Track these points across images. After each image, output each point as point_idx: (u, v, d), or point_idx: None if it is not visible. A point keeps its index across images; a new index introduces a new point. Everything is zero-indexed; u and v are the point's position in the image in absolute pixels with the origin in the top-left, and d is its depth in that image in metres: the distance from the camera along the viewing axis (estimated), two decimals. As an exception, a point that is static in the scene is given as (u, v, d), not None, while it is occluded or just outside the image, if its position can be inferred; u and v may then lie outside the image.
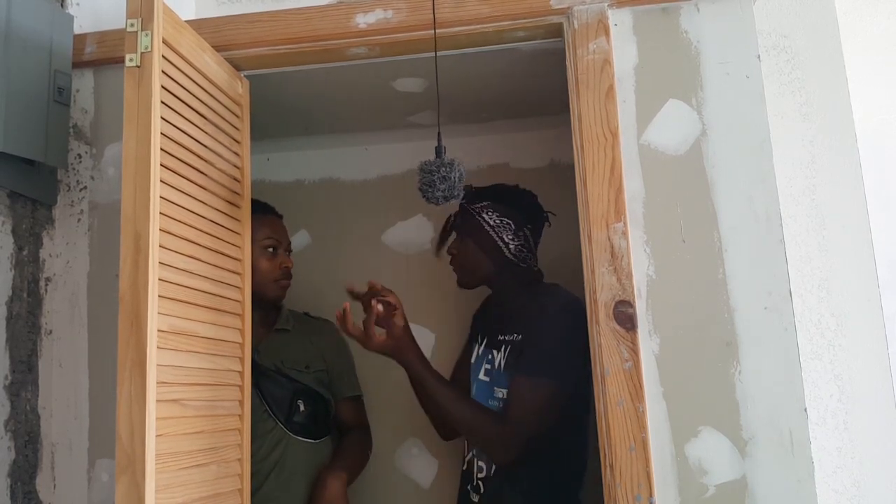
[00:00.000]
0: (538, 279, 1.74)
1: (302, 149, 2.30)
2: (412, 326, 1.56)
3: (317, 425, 1.75)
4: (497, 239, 1.67)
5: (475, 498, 1.66)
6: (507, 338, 1.68)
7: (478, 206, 1.68)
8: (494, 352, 1.70)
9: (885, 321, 1.33)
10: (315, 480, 1.69)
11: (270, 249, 1.73)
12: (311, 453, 1.73)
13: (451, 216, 1.78)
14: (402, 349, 1.52)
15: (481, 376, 1.71)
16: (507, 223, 1.67)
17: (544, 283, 1.74)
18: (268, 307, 1.77)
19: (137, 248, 1.17)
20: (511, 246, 1.66)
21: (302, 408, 1.72)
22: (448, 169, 1.32)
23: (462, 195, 1.36)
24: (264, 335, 1.75)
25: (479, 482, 1.65)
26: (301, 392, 1.73)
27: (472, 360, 1.78)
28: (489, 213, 1.67)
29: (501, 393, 1.63)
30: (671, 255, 1.34)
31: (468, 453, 1.73)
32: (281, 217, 1.82)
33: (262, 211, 1.76)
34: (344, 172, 2.27)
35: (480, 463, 1.66)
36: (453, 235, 1.76)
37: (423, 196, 1.34)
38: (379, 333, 1.50)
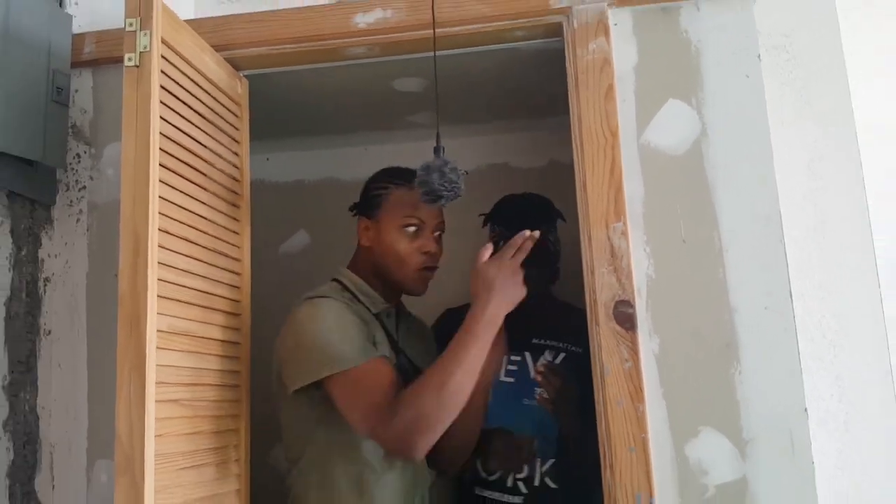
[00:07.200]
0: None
1: (301, 149, 2.30)
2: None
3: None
4: (556, 253, 1.74)
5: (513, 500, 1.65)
6: (552, 343, 1.70)
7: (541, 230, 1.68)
8: (527, 354, 1.71)
9: (886, 322, 1.33)
10: None
11: (411, 229, 1.50)
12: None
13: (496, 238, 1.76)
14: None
15: (504, 377, 1.71)
16: (556, 233, 1.75)
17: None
18: (394, 296, 1.58)
19: (136, 249, 1.18)
20: (559, 250, 1.74)
21: None
22: (444, 168, 1.31)
23: (460, 195, 1.33)
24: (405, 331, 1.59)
25: (519, 483, 1.66)
26: None
27: None
28: (551, 235, 1.73)
29: (542, 392, 1.66)
30: (671, 256, 1.35)
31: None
32: None
33: (403, 181, 1.53)
34: (344, 172, 2.26)
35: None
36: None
37: (423, 197, 1.35)
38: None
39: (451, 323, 1.86)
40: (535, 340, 1.73)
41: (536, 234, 1.36)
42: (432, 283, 1.57)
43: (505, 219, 1.75)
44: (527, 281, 1.39)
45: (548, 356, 1.71)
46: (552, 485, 1.66)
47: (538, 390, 1.67)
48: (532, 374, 1.70)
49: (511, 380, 1.71)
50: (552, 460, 1.67)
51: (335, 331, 1.39)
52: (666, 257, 1.35)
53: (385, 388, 1.33)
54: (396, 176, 1.57)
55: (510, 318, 1.73)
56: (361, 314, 1.47)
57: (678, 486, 1.29)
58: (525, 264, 1.38)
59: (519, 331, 1.69)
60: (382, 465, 1.43)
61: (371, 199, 1.58)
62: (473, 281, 1.36)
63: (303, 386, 1.38)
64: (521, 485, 1.66)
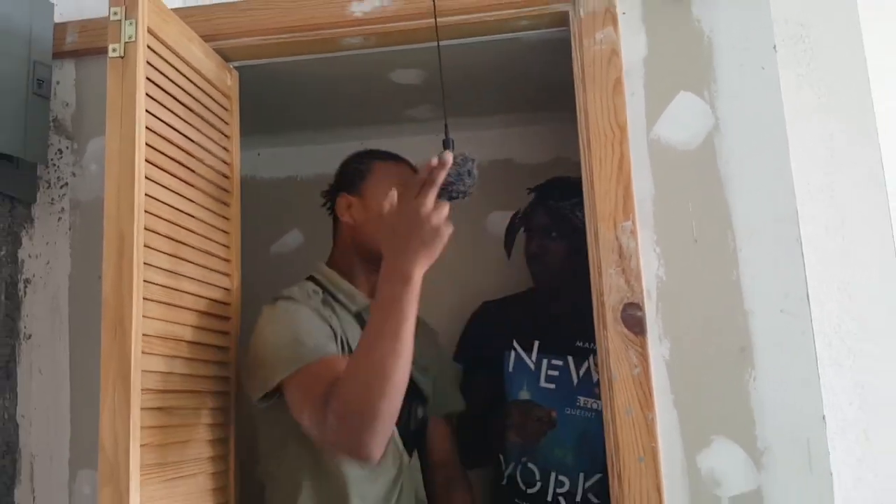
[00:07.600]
0: None
1: (294, 144, 2.34)
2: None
3: (419, 441, 1.56)
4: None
5: None
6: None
7: (569, 203, 1.71)
8: (570, 358, 1.73)
9: (909, 326, 1.34)
10: None
11: None
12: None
13: (516, 213, 1.81)
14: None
15: (544, 384, 1.73)
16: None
17: None
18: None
19: (121, 249, 1.21)
20: None
21: (420, 414, 1.54)
22: (460, 162, 1.28)
23: (471, 192, 1.31)
24: None
25: (560, 497, 1.68)
26: (416, 397, 1.52)
27: (511, 368, 1.78)
28: (581, 212, 1.67)
29: (586, 402, 1.69)
30: (682, 256, 1.38)
31: (511, 464, 1.73)
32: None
33: (385, 157, 1.57)
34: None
35: (561, 477, 1.69)
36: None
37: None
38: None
39: (491, 316, 1.90)
40: (579, 343, 1.73)
41: (448, 158, 1.17)
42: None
43: (551, 194, 1.78)
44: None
45: (594, 362, 1.67)
46: (595, 500, 1.68)
47: (581, 398, 1.69)
48: (575, 381, 1.71)
49: (552, 386, 1.73)
50: (598, 475, 1.68)
51: (286, 332, 1.37)
52: (677, 258, 1.38)
53: (327, 383, 1.23)
54: (377, 154, 1.61)
55: (551, 320, 1.76)
56: (327, 316, 1.44)
57: (689, 498, 1.31)
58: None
59: (561, 332, 1.75)
60: (360, 481, 1.41)
61: (352, 173, 1.60)
62: (381, 235, 1.25)
63: (264, 397, 1.37)
64: (561, 500, 1.69)
